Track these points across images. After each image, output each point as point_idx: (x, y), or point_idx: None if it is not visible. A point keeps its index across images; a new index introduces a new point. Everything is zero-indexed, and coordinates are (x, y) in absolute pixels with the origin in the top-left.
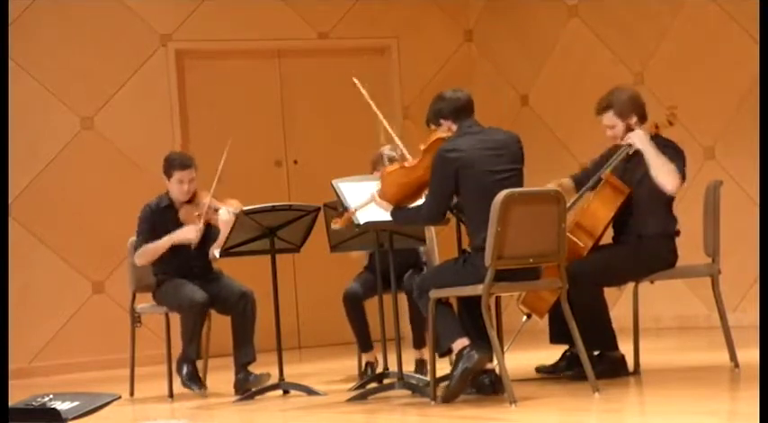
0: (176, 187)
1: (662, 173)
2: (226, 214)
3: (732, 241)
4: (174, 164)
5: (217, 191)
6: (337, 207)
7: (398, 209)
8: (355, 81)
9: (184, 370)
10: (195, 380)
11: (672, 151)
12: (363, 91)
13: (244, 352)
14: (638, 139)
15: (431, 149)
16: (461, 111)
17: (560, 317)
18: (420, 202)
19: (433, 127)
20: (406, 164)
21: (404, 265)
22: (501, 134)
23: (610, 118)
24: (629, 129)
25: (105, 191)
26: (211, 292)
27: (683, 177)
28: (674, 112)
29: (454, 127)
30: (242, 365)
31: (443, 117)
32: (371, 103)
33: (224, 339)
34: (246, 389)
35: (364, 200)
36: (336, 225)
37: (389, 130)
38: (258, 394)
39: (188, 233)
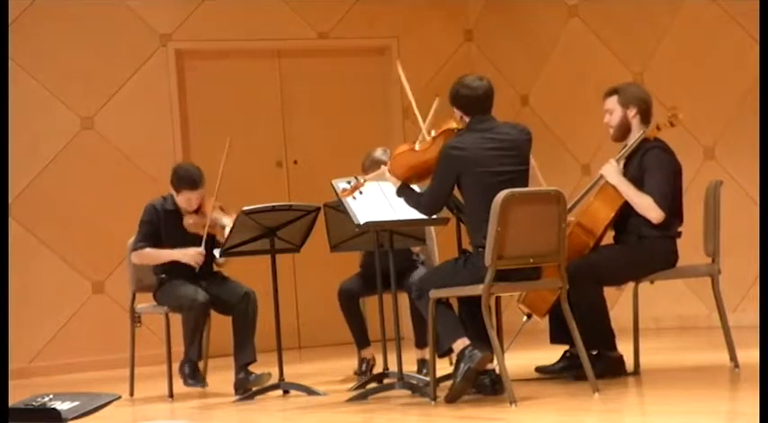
0: (183, 202)
1: (641, 210)
2: (228, 226)
3: (732, 241)
4: (182, 182)
5: (219, 192)
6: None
7: (405, 187)
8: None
9: (186, 370)
10: (197, 377)
11: (657, 163)
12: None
13: (244, 352)
14: (608, 173)
15: (440, 137)
16: (475, 104)
17: (561, 317)
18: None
19: (445, 126)
20: (416, 147)
21: (400, 265)
22: (512, 132)
23: (612, 102)
24: (625, 120)
25: (105, 191)
26: (213, 292)
27: (666, 196)
28: (676, 113)
29: (466, 119)
30: (242, 366)
31: (457, 105)
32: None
33: (224, 339)
34: (247, 389)
35: (376, 173)
36: (345, 194)
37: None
38: (258, 394)
39: (190, 260)
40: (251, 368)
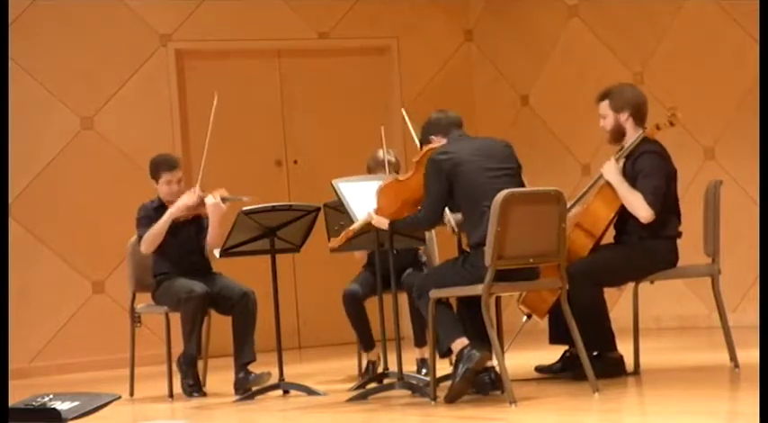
0: (165, 188)
1: (632, 208)
2: (211, 199)
3: (732, 241)
4: (160, 166)
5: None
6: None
7: (395, 222)
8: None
9: (186, 373)
10: (196, 387)
11: (649, 167)
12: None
13: (244, 352)
14: (608, 172)
15: (423, 161)
16: (451, 126)
17: (561, 317)
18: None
19: (425, 148)
20: (401, 177)
21: (403, 264)
22: (491, 142)
23: (604, 107)
24: (618, 124)
25: (105, 191)
26: (212, 291)
27: (658, 197)
28: (675, 113)
29: (444, 140)
30: (242, 365)
31: (433, 133)
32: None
33: (224, 339)
34: (246, 388)
35: (361, 220)
36: (333, 244)
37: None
38: (258, 394)
39: (186, 200)
40: (251, 368)
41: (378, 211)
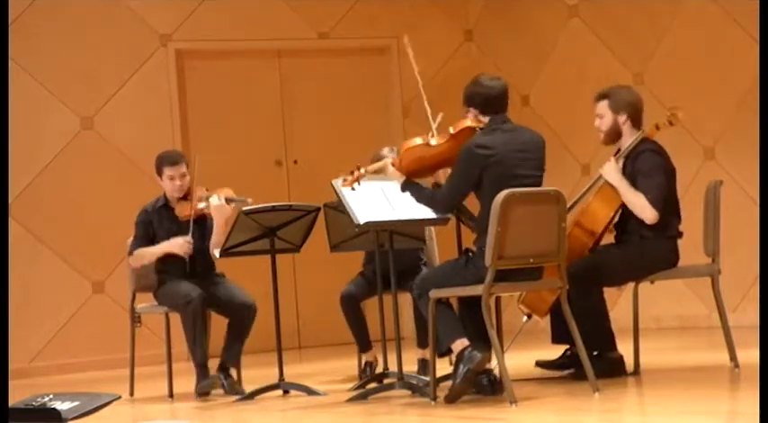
0: (168, 184)
1: (636, 210)
2: (216, 200)
3: (732, 241)
4: (163, 161)
5: (215, 186)
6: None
7: (410, 183)
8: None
9: (201, 383)
10: (202, 381)
11: (648, 166)
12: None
13: (229, 354)
14: (608, 173)
15: (459, 136)
16: (491, 103)
17: (563, 317)
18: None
19: (465, 123)
20: (432, 142)
21: (403, 265)
22: (528, 135)
23: (603, 107)
24: (616, 125)
25: (105, 191)
26: (212, 292)
27: (661, 194)
28: (675, 112)
29: (484, 118)
30: (221, 365)
31: (473, 105)
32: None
33: (223, 339)
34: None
35: (378, 165)
36: (345, 184)
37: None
38: (258, 394)
39: (179, 249)
40: (252, 369)
41: (395, 163)
